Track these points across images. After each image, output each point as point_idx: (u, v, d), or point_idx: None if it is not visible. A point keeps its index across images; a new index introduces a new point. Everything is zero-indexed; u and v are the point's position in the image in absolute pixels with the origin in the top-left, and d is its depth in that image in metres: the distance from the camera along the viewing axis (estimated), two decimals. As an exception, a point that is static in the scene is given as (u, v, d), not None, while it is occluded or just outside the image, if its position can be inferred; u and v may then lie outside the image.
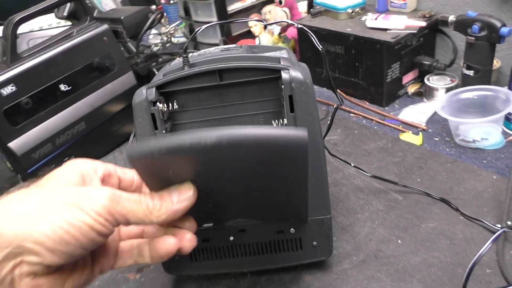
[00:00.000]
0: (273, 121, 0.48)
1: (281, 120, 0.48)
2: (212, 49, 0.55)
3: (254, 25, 1.13)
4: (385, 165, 0.72)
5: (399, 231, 0.59)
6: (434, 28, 0.92)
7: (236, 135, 0.32)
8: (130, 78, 0.92)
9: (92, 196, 0.31)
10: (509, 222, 0.57)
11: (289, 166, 0.35)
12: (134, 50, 0.99)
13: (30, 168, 0.77)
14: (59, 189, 0.32)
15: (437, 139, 0.78)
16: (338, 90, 0.97)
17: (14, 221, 0.29)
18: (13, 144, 0.74)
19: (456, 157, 0.72)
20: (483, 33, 0.75)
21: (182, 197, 0.35)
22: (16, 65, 0.74)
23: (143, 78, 0.95)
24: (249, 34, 1.21)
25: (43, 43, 0.81)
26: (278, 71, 0.44)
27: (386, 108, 0.90)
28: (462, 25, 0.79)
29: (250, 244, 0.52)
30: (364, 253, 0.57)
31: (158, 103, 0.46)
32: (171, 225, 0.38)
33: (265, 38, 1.12)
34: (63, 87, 0.81)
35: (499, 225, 0.56)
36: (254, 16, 1.22)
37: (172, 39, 1.43)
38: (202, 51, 0.55)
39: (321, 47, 0.48)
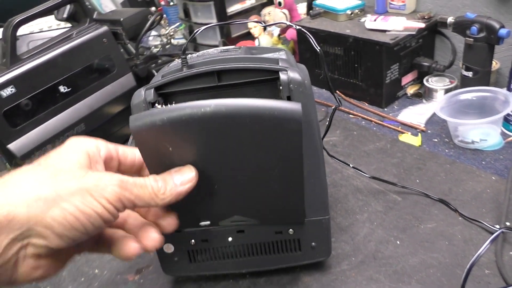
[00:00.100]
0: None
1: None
2: (211, 50, 0.55)
3: (254, 27, 1.14)
4: (384, 166, 0.72)
5: (398, 232, 0.59)
6: (433, 29, 0.92)
7: (233, 104, 0.35)
8: (130, 80, 0.92)
9: (104, 184, 0.32)
10: (507, 223, 0.57)
11: (283, 142, 0.37)
12: (134, 51, 0.99)
13: (29, 169, 0.77)
14: (72, 173, 0.32)
15: (436, 140, 0.78)
16: (337, 91, 0.98)
17: (28, 205, 0.30)
18: (12, 146, 0.74)
19: (455, 158, 0.72)
20: (481, 35, 0.75)
21: (185, 179, 0.36)
22: (15, 67, 0.74)
23: (143, 80, 0.95)
24: (248, 36, 1.21)
25: (43, 45, 0.81)
26: (276, 72, 0.45)
27: (385, 109, 0.91)
28: (461, 26, 0.79)
29: (249, 245, 0.52)
30: (363, 254, 0.57)
31: (156, 104, 0.46)
32: (152, 219, 0.39)
33: (264, 39, 1.13)
34: (62, 88, 0.81)
35: (497, 226, 0.56)
36: (254, 18, 1.22)
37: (172, 40, 1.43)
38: (200, 52, 0.55)
39: (319, 48, 0.48)
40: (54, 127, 0.80)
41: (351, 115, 0.90)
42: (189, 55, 0.53)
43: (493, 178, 0.65)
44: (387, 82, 0.88)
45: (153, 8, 1.41)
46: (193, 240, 0.51)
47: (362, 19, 0.94)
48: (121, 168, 0.39)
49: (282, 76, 0.44)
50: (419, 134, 0.80)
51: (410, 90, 0.93)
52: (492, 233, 0.53)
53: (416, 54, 0.91)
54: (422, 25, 0.86)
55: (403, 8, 0.94)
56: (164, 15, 1.47)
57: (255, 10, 1.26)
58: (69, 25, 0.96)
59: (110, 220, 0.33)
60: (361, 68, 0.91)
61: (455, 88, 0.85)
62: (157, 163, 0.37)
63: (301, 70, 0.46)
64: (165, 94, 0.48)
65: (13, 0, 1.07)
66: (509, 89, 0.74)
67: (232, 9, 1.22)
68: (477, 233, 0.57)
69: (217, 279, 0.56)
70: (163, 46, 1.41)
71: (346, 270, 0.55)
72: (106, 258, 0.63)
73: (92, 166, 0.35)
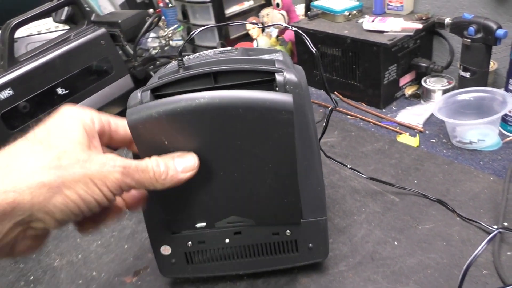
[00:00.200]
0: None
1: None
2: (208, 51, 0.55)
3: (252, 28, 1.14)
4: (382, 167, 0.72)
5: (395, 232, 0.59)
6: (431, 30, 0.92)
7: (227, 96, 0.36)
8: (128, 82, 0.92)
9: (107, 171, 0.33)
10: (505, 223, 0.57)
11: (276, 134, 0.38)
12: (132, 53, 0.99)
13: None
14: (76, 157, 0.32)
15: (434, 140, 0.78)
16: (335, 92, 0.98)
17: (32, 192, 0.30)
18: (10, 148, 0.74)
19: (453, 158, 0.72)
20: (479, 35, 0.76)
21: (187, 166, 0.37)
22: (13, 69, 0.75)
23: (141, 82, 0.95)
24: (247, 37, 1.21)
25: (41, 47, 0.81)
26: (272, 73, 0.45)
27: (383, 110, 0.91)
28: (459, 27, 0.79)
29: (246, 247, 0.52)
30: (361, 255, 0.57)
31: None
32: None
33: (262, 41, 1.13)
34: (60, 90, 0.81)
35: (495, 226, 0.56)
36: (252, 19, 1.22)
37: (170, 42, 1.43)
38: (197, 53, 0.55)
39: (315, 49, 0.48)
40: (52, 129, 0.80)
41: (349, 116, 0.90)
42: (186, 57, 0.53)
43: (491, 178, 0.65)
44: (385, 83, 0.88)
45: (151, 10, 1.41)
46: (190, 242, 0.51)
47: (360, 20, 0.95)
48: (112, 141, 0.39)
49: (278, 77, 0.44)
50: (417, 134, 0.80)
51: (408, 91, 0.93)
52: (490, 234, 0.53)
53: (414, 55, 0.91)
54: (419, 26, 0.86)
55: (401, 9, 0.94)
56: (163, 17, 1.48)
57: (254, 11, 1.26)
58: (67, 27, 0.96)
59: (106, 204, 0.34)
60: (359, 69, 0.91)
61: (453, 88, 0.85)
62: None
63: (297, 71, 0.46)
64: (162, 96, 0.47)
65: (11, 2, 1.07)
66: (506, 90, 0.74)
67: (230, 10, 1.22)
68: (474, 234, 0.57)
69: (214, 281, 0.56)
70: (161, 48, 1.41)
71: (344, 271, 0.55)
72: (104, 260, 0.63)
73: (90, 142, 0.35)
